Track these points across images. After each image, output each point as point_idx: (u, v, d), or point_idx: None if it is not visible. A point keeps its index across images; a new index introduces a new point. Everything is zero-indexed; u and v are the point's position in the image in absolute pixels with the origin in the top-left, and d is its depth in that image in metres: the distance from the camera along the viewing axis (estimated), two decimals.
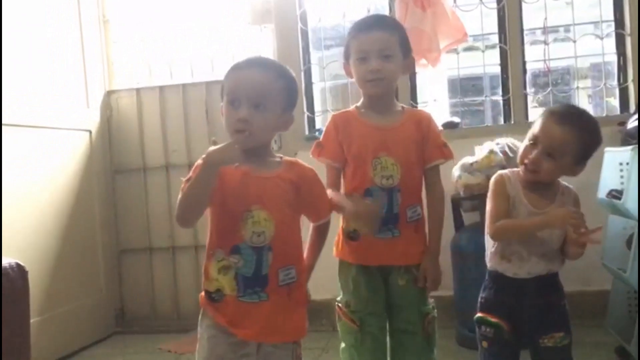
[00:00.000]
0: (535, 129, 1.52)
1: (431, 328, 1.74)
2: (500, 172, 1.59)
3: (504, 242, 1.54)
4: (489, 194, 1.56)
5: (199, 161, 1.32)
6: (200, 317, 1.41)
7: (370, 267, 1.70)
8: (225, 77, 1.42)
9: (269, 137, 1.45)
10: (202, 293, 1.40)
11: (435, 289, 1.74)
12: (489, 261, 1.59)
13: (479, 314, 1.60)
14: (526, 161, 1.51)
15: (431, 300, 1.77)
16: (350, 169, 1.69)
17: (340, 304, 1.76)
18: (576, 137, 1.47)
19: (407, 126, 1.69)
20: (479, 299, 1.61)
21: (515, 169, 1.59)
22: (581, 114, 1.55)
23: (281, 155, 1.47)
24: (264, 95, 1.36)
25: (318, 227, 1.52)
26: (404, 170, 1.65)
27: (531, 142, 1.51)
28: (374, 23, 1.69)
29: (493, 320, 1.55)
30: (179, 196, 1.32)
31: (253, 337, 1.36)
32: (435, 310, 1.77)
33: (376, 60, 1.61)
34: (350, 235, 1.70)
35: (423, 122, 1.72)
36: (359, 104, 1.75)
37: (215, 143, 1.33)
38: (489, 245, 1.59)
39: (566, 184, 1.59)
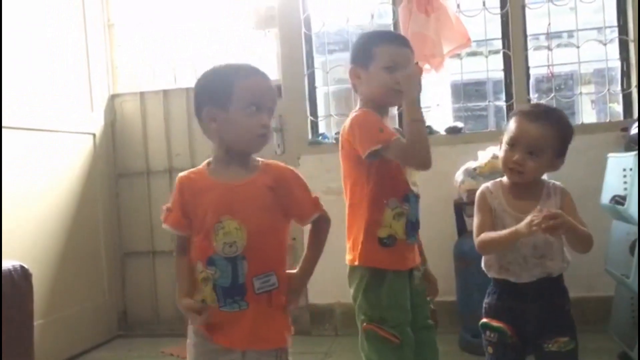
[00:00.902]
0: (510, 132, 1.55)
1: (435, 317, 1.80)
2: (482, 186, 1.62)
3: (499, 253, 1.55)
4: (475, 209, 1.59)
5: (164, 211, 1.42)
6: (188, 329, 1.44)
7: (403, 272, 1.68)
8: (232, 80, 1.38)
9: None
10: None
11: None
12: (489, 271, 1.60)
13: (483, 320, 1.60)
14: (510, 165, 1.53)
15: None
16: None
17: (371, 323, 1.65)
18: (552, 131, 1.51)
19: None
20: (484, 305, 1.62)
21: (496, 180, 1.61)
22: (551, 109, 1.61)
23: (260, 159, 1.46)
24: (275, 104, 1.42)
25: (312, 227, 1.50)
26: None
27: (510, 145, 1.54)
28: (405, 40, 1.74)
29: (496, 325, 1.55)
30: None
31: (236, 344, 1.38)
32: None
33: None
34: (384, 242, 1.65)
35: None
36: None
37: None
38: (485, 258, 1.61)
39: (553, 181, 1.59)
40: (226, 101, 1.36)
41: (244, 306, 1.36)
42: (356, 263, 1.67)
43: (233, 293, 1.35)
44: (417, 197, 1.70)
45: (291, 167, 1.47)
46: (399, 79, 1.59)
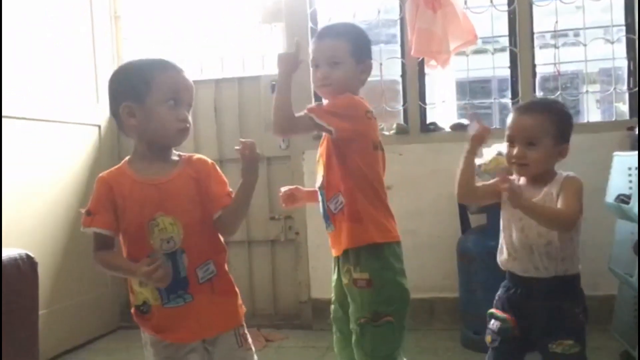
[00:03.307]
0: (507, 129, 1.57)
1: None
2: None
3: (510, 240, 1.57)
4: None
5: (83, 214, 1.41)
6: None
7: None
8: (149, 75, 1.37)
9: None
10: (132, 309, 1.44)
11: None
12: (500, 261, 1.61)
13: (491, 310, 1.62)
14: (513, 160, 1.54)
15: None
16: None
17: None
18: (544, 117, 1.52)
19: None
20: (495, 297, 1.64)
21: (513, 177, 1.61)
22: (543, 99, 1.72)
23: (180, 153, 1.47)
24: (192, 98, 1.43)
25: (216, 222, 1.44)
26: None
27: (509, 142, 1.56)
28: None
29: (500, 315, 1.56)
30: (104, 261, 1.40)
31: (188, 338, 1.40)
32: None
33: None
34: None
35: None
36: None
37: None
38: (500, 244, 1.62)
39: (567, 172, 1.56)
40: (145, 95, 1.36)
41: (188, 299, 1.38)
42: (384, 240, 1.67)
43: (176, 288, 1.37)
44: (320, 189, 1.74)
45: (210, 160, 1.48)
46: (317, 75, 1.74)
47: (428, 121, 3.15)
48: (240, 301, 1.49)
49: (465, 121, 3.10)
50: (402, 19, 3.11)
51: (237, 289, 1.49)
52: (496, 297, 1.63)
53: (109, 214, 1.38)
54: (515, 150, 1.53)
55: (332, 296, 1.82)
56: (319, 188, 1.75)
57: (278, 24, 3.28)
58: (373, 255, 1.63)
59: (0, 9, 2.51)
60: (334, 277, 1.79)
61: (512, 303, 1.57)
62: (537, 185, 1.55)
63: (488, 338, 1.60)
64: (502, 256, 1.60)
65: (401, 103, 3.20)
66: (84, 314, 3.04)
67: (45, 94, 2.88)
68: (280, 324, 3.21)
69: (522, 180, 1.59)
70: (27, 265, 1.65)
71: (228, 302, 1.45)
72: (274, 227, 3.29)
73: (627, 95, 3.03)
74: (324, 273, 3.22)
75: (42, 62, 2.87)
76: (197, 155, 1.48)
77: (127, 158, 1.45)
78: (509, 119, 1.58)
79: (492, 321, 1.59)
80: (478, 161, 2.68)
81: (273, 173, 3.29)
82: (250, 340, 1.50)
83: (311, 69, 1.75)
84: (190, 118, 1.42)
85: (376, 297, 1.63)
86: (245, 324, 1.50)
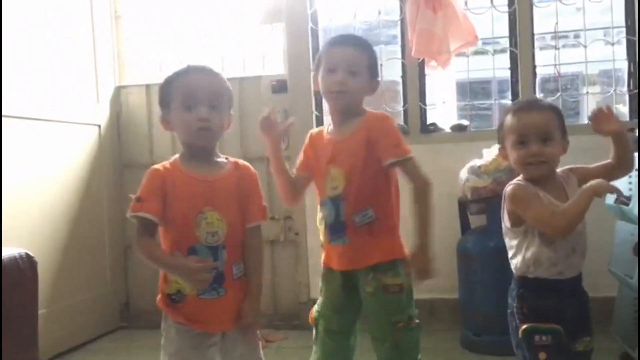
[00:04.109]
0: (515, 129, 1.52)
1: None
2: (514, 182, 1.54)
3: (551, 247, 1.48)
4: (522, 204, 1.48)
5: (133, 200, 1.44)
6: (163, 317, 1.49)
7: (331, 270, 1.77)
8: (170, 85, 1.50)
9: (221, 136, 1.53)
10: (159, 296, 1.48)
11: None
12: (536, 269, 1.50)
13: (529, 325, 1.47)
14: (529, 160, 1.49)
15: None
16: None
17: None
18: (551, 112, 1.53)
19: None
20: (518, 310, 1.51)
21: (518, 179, 1.55)
22: (534, 98, 1.65)
23: (227, 157, 1.55)
24: (218, 97, 1.48)
25: (248, 235, 1.53)
26: None
27: (520, 142, 1.51)
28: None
29: (548, 326, 1.44)
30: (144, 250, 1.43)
31: (217, 329, 1.47)
32: None
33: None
34: (324, 242, 1.75)
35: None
36: None
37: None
38: (535, 253, 1.50)
39: (560, 169, 1.57)
40: (169, 102, 1.48)
41: (222, 292, 1.45)
42: (402, 256, 1.70)
43: (214, 281, 1.42)
44: (336, 199, 1.67)
45: (254, 170, 1.56)
46: (337, 79, 1.66)
47: (428, 122, 3.15)
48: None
49: (465, 122, 3.11)
50: (402, 20, 3.11)
51: None
52: (524, 309, 1.50)
53: (158, 202, 1.43)
54: (532, 149, 1.48)
55: (322, 308, 1.75)
56: (333, 198, 1.67)
57: (278, 24, 3.28)
58: (402, 264, 1.66)
59: (0, 9, 2.51)
60: (329, 287, 1.75)
61: (549, 309, 1.47)
62: (548, 183, 1.51)
63: (542, 355, 1.45)
64: (541, 267, 1.49)
65: (401, 104, 3.20)
66: (83, 313, 3.03)
67: (45, 93, 2.87)
68: (280, 324, 3.21)
69: (522, 180, 1.54)
70: (26, 264, 1.65)
71: (249, 300, 1.52)
72: (273, 228, 3.29)
73: (627, 97, 3.03)
74: None
75: (43, 61, 2.87)
76: (242, 161, 1.56)
77: (177, 155, 1.53)
78: (512, 119, 1.53)
79: (538, 337, 1.45)
80: (478, 162, 2.69)
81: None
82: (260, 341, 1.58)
83: (323, 73, 1.70)
84: (220, 116, 1.48)
85: (408, 302, 1.66)
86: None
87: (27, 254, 1.67)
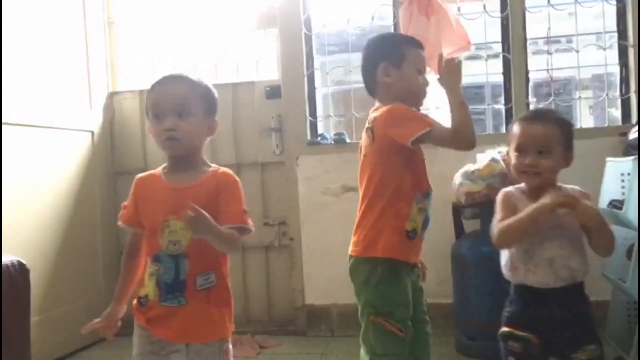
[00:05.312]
0: (516, 138, 1.55)
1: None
2: (503, 190, 1.59)
3: (526, 255, 1.51)
4: (497, 209, 1.55)
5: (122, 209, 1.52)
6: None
7: (407, 266, 1.76)
8: (146, 96, 1.52)
9: (196, 144, 1.51)
10: (135, 300, 1.53)
11: None
12: (513, 275, 1.54)
13: (505, 329, 1.54)
14: (524, 169, 1.52)
15: None
16: None
17: (379, 316, 1.70)
18: (554, 126, 1.53)
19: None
20: (504, 314, 1.57)
21: (516, 185, 1.59)
22: (547, 109, 1.73)
23: (214, 165, 1.53)
24: (184, 105, 1.46)
25: None
26: None
27: (519, 151, 1.53)
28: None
29: (521, 334, 1.50)
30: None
31: (172, 337, 1.46)
32: None
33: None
34: (409, 235, 1.72)
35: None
36: None
37: None
38: (510, 258, 1.55)
39: (572, 186, 1.57)
40: (148, 114, 1.50)
41: (183, 302, 1.45)
42: (370, 254, 1.71)
43: (174, 289, 1.44)
44: (430, 194, 1.80)
45: (235, 177, 1.52)
46: (428, 83, 1.76)
47: None
48: (232, 317, 1.53)
49: None
50: (395, 26, 3.12)
51: (232, 303, 1.53)
52: (507, 314, 1.56)
53: (131, 210, 1.52)
54: (527, 159, 1.51)
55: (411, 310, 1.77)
56: (429, 193, 1.79)
57: (272, 29, 3.28)
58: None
59: (0, 16, 2.51)
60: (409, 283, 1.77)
61: (530, 317, 1.51)
62: (537, 195, 1.51)
63: (511, 359, 1.52)
64: (517, 273, 1.53)
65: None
66: (76, 321, 2.97)
67: (38, 99, 2.86)
68: (275, 330, 3.20)
69: (517, 191, 1.57)
70: (18, 272, 1.64)
71: (219, 313, 1.49)
72: (268, 233, 3.28)
73: (619, 101, 3.05)
74: (319, 279, 3.23)
75: (35, 68, 2.86)
76: (223, 169, 1.53)
77: (164, 164, 1.55)
78: (516, 128, 1.56)
79: (511, 342, 1.52)
80: (472, 167, 2.69)
81: (267, 179, 3.29)
82: (231, 356, 1.53)
83: (415, 74, 1.83)
84: (188, 124, 1.46)
85: None
86: (230, 340, 1.54)
87: (19, 262, 1.65)
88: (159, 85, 1.50)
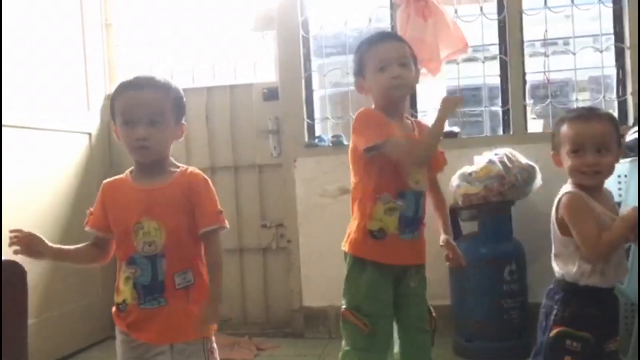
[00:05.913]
0: (571, 138, 1.52)
1: (434, 324, 1.82)
2: (572, 191, 1.53)
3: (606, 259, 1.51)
4: (575, 217, 1.50)
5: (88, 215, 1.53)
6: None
7: (385, 267, 1.73)
8: (114, 98, 1.48)
9: (167, 149, 1.51)
10: (113, 308, 1.51)
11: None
12: (584, 278, 1.52)
13: (563, 328, 1.52)
14: (584, 169, 1.50)
15: None
16: None
17: (348, 308, 1.74)
18: (610, 123, 1.54)
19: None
20: (558, 314, 1.54)
21: (573, 186, 1.55)
22: (592, 107, 1.76)
23: (182, 166, 1.53)
24: (158, 113, 1.44)
25: (205, 241, 1.48)
26: None
27: (575, 151, 1.51)
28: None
29: (581, 334, 1.49)
30: None
31: (154, 340, 1.45)
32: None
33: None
34: (374, 235, 1.72)
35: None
36: None
37: None
38: (583, 265, 1.52)
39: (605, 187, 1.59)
40: (115, 118, 1.48)
41: (162, 302, 1.44)
42: (344, 249, 1.78)
43: (153, 290, 1.44)
44: (418, 193, 1.75)
45: (203, 175, 1.52)
46: (395, 74, 1.68)
47: None
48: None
49: (456, 129, 3.12)
50: (393, 28, 3.12)
51: None
52: (564, 313, 1.54)
53: (98, 215, 1.50)
54: (587, 159, 1.49)
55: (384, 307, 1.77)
56: (419, 193, 1.76)
57: (270, 31, 3.29)
58: None
59: (0, 18, 2.51)
60: (386, 286, 1.76)
61: (590, 317, 1.51)
62: (597, 193, 1.53)
63: (568, 359, 1.51)
64: (592, 276, 1.52)
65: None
66: (73, 323, 3.01)
67: (36, 102, 2.86)
68: (272, 332, 3.20)
69: (583, 192, 1.53)
70: (15, 273, 1.63)
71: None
72: (265, 235, 3.28)
73: (616, 103, 3.05)
74: (316, 281, 3.22)
75: (33, 70, 2.86)
76: (191, 169, 1.53)
77: (130, 168, 1.54)
78: (569, 128, 1.53)
79: (569, 341, 1.51)
80: (469, 169, 2.70)
81: (265, 181, 3.29)
82: (217, 355, 1.53)
83: (376, 75, 1.74)
84: (161, 131, 1.45)
85: None
86: (214, 339, 1.53)
87: (16, 263, 1.65)
88: (131, 91, 1.46)
